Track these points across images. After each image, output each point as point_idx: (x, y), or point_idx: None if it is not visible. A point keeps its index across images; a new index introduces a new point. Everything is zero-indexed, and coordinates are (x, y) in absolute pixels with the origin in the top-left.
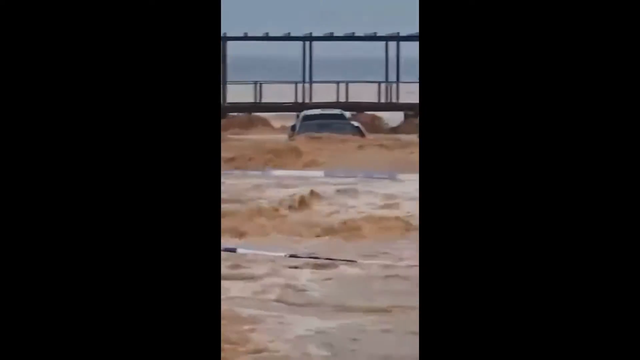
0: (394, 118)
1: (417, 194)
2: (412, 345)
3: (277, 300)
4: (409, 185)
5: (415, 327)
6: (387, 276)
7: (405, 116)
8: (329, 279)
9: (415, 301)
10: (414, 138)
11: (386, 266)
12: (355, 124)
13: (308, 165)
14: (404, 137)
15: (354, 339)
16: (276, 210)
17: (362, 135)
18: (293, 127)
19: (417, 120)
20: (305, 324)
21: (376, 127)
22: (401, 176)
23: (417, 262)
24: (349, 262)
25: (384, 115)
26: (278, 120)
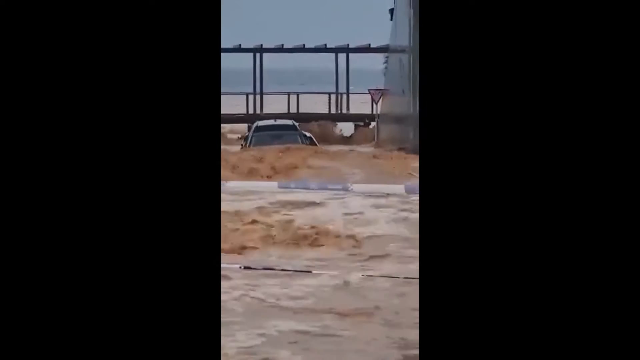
0: (345, 128)
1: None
2: None
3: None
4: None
5: None
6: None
7: (355, 127)
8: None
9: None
10: (363, 148)
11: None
12: (307, 134)
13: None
14: (354, 147)
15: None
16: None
17: (314, 145)
18: (246, 139)
19: (366, 130)
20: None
21: (328, 137)
22: (355, 187)
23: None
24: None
25: (336, 125)
26: (231, 132)
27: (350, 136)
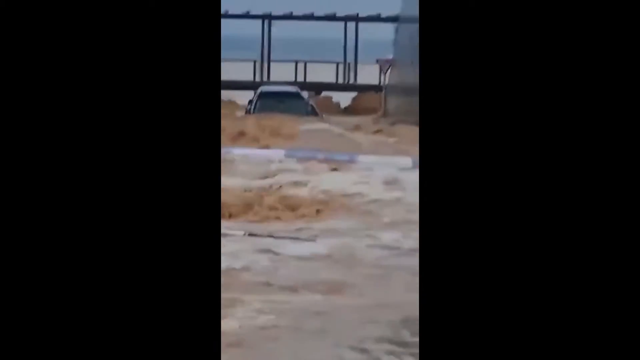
0: (347, 98)
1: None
2: None
3: None
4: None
5: None
6: None
7: (356, 97)
8: None
9: None
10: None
11: None
12: (311, 103)
13: (268, 145)
14: (352, 118)
15: None
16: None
17: (316, 115)
18: (250, 102)
19: (366, 99)
20: None
21: (328, 107)
22: (361, 157)
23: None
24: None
25: (337, 95)
26: (240, 97)
27: (349, 106)
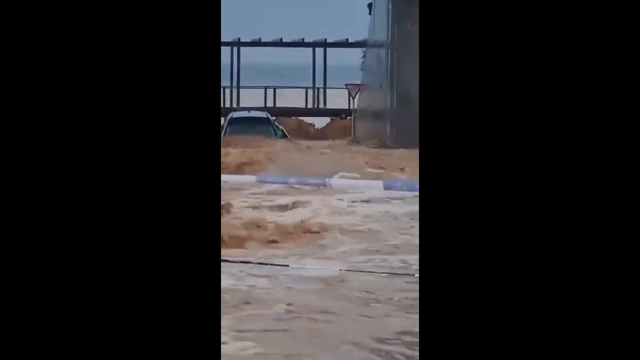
0: (320, 123)
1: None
2: None
3: None
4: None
5: None
6: None
7: (331, 120)
8: None
9: None
10: (336, 142)
11: None
12: (280, 127)
13: (240, 169)
14: (323, 142)
15: None
16: None
17: (286, 138)
18: (220, 129)
19: (339, 124)
20: None
21: (302, 131)
22: (332, 181)
23: None
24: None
25: (310, 120)
26: None
27: (322, 130)
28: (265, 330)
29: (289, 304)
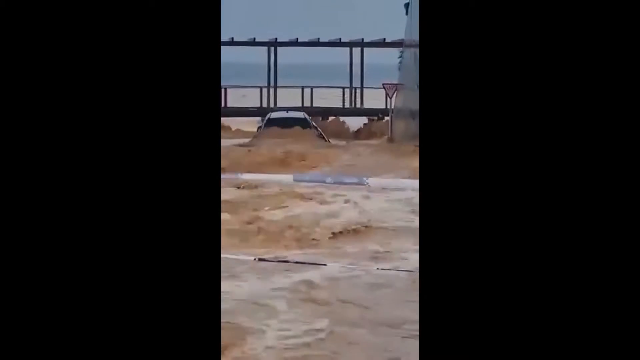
0: (356, 123)
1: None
2: None
3: None
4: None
5: None
6: None
7: (369, 120)
8: None
9: None
10: (373, 142)
11: None
12: (318, 127)
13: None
14: (360, 142)
15: None
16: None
17: (324, 139)
18: (259, 129)
19: (376, 124)
20: None
21: (339, 132)
22: (370, 180)
23: None
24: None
25: (347, 119)
26: (244, 124)
27: (359, 130)
28: None
29: None
